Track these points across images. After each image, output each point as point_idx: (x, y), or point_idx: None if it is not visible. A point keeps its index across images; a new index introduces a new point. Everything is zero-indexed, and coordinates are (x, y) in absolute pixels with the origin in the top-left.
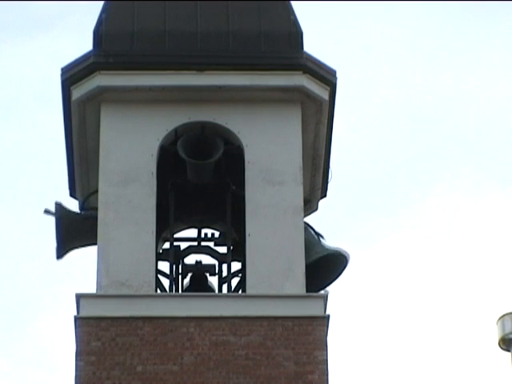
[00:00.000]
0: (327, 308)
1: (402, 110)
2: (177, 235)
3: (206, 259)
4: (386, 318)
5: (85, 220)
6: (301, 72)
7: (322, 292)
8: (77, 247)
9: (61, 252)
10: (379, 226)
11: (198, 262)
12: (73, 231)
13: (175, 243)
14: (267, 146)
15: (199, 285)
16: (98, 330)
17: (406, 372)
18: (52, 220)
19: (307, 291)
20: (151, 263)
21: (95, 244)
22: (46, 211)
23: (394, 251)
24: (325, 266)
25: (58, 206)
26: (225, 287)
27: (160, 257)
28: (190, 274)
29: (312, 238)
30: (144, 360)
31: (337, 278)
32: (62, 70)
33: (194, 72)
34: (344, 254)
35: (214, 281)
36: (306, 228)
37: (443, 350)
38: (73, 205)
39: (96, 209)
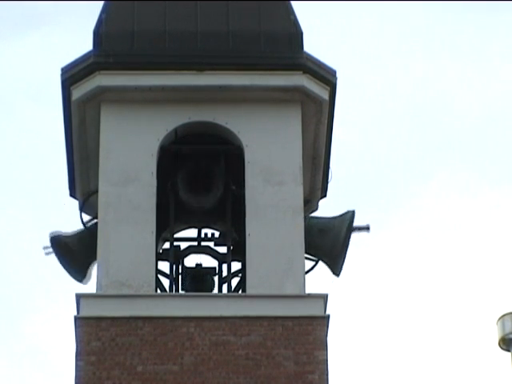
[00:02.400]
0: (327, 308)
1: (401, 110)
2: (177, 235)
3: (206, 259)
4: (386, 318)
5: (83, 237)
6: (301, 72)
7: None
8: (92, 262)
9: (80, 277)
10: (379, 225)
11: (199, 265)
12: (78, 253)
13: (175, 243)
14: (267, 145)
15: (200, 283)
16: (97, 330)
17: (406, 372)
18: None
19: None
20: (151, 263)
21: None
22: (46, 250)
23: (395, 251)
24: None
25: (53, 238)
26: (225, 287)
27: (160, 257)
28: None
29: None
30: (144, 360)
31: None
32: (62, 70)
33: (194, 72)
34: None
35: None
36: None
37: (443, 350)
38: (73, 204)
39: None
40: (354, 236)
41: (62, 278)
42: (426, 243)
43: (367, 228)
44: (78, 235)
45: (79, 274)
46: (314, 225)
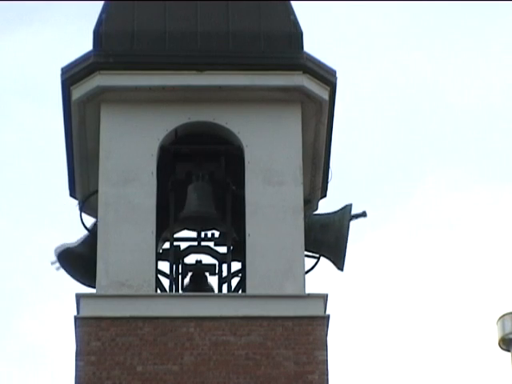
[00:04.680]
0: (327, 308)
1: (401, 110)
2: (177, 235)
3: (206, 259)
4: (386, 318)
5: (89, 242)
6: (301, 72)
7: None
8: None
9: (93, 281)
10: (379, 225)
11: (198, 262)
12: (88, 259)
13: (175, 243)
14: (267, 146)
15: (199, 284)
16: (97, 330)
17: (406, 372)
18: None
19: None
20: (151, 263)
21: None
22: (55, 265)
23: (395, 250)
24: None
25: (61, 253)
26: (225, 287)
27: (160, 257)
28: (190, 274)
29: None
30: (144, 360)
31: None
32: (62, 70)
33: (194, 72)
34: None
35: (213, 281)
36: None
37: (443, 350)
38: (73, 205)
39: (96, 211)
40: (353, 227)
41: (62, 278)
42: (425, 243)
43: (364, 214)
44: (84, 241)
45: (91, 279)
46: (316, 221)
